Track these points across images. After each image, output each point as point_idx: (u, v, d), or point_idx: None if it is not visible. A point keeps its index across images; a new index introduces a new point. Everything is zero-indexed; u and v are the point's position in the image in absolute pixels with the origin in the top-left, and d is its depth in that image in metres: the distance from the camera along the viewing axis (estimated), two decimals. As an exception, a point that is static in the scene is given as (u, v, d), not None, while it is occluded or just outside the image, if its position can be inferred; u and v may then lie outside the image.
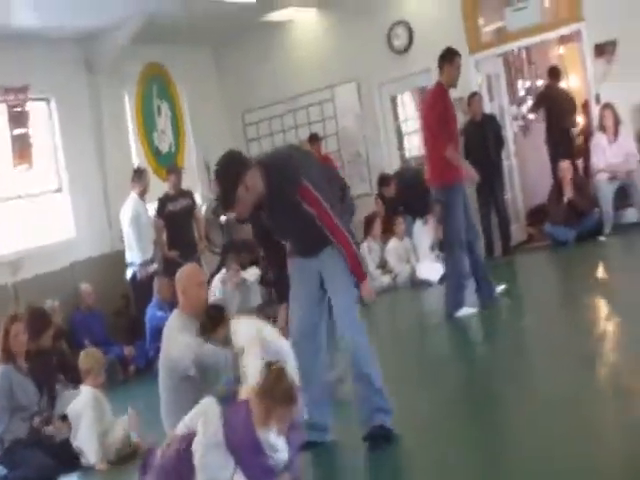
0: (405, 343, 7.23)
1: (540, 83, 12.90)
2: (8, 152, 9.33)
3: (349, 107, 11.57)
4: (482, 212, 9.93)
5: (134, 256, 9.10)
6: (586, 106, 11.17)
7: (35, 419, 5.70)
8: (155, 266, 9.18)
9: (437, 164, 7.33)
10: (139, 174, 9.36)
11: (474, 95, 10.16)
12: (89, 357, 5.84)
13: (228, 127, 12.37)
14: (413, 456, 4.51)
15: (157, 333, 5.86)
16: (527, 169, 11.57)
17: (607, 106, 9.72)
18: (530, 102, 12.68)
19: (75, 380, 6.10)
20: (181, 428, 3.89)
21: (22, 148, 9.53)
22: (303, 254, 4.65)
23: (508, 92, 11.58)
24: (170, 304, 7.54)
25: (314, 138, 10.97)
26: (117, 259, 9.39)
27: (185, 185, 10.05)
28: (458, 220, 7.24)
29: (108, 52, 10.06)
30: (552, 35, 10.68)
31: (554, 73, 11.26)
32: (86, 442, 5.51)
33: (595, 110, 10.10)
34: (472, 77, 10.32)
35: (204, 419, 3.79)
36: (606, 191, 9.74)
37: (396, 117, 11.81)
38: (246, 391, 3.93)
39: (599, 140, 9.90)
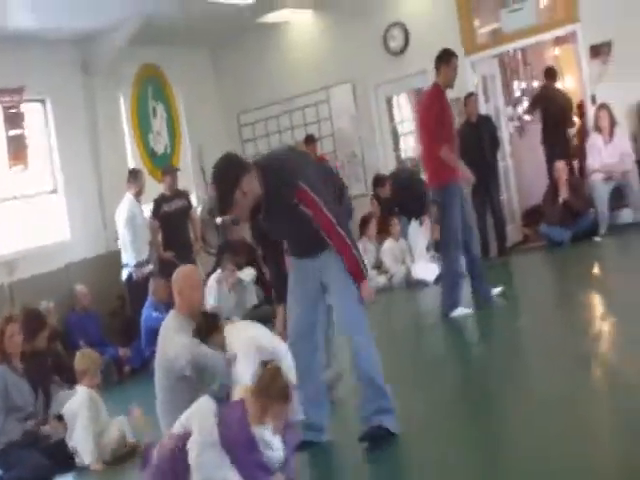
0: (401, 343, 7.22)
1: (536, 84, 12.93)
2: (3, 153, 9.32)
3: (345, 108, 11.58)
4: (478, 213, 9.92)
5: (129, 257, 9.10)
6: (581, 107, 11.18)
7: (29, 422, 5.69)
8: (150, 267, 9.17)
9: (433, 165, 7.35)
10: (134, 175, 9.36)
11: (470, 96, 10.16)
12: (85, 358, 5.83)
13: (224, 128, 12.38)
14: (409, 456, 4.50)
15: (152, 334, 5.86)
16: (523, 170, 11.57)
17: (603, 107, 9.73)
18: (526, 103, 12.70)
19: (70, 381, 6.11)
20: (177, 427, 3.90)
21: (17, 149, 9.53)
22: (301, 256, 4.64)
23: (504, 93, 11.62)
24: (165, 305, 7.54)
25: (310, 139, 11.00)
26: (112, 260, 9.39)
27: (180, 186, 10.04)
28: (454, 220, 7.24)
29: (105, 53, 10.07)
30: (547, 36, 10.71)
31: (550, 74, 11.25)
32: (81, 442, 5.50)
33: (591, 111, 10.11)
34: (468, 78, 10.32)
35: (200, 418, 3.79)
36: (601, 191, 9.75)
37: (392, 118, 11.82)
38: (241, 391, 3.94)
39: (595, 141, 9.90)
